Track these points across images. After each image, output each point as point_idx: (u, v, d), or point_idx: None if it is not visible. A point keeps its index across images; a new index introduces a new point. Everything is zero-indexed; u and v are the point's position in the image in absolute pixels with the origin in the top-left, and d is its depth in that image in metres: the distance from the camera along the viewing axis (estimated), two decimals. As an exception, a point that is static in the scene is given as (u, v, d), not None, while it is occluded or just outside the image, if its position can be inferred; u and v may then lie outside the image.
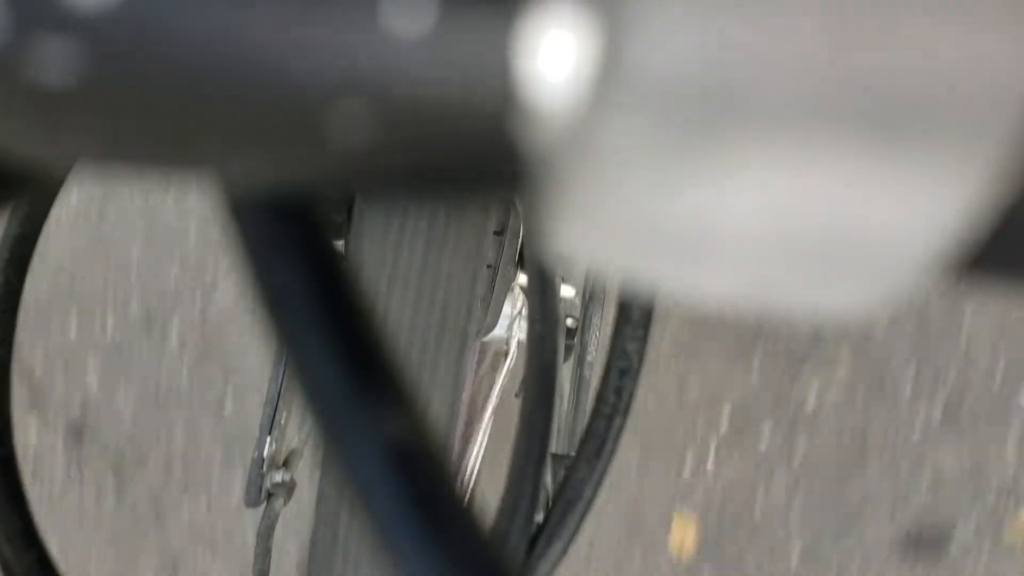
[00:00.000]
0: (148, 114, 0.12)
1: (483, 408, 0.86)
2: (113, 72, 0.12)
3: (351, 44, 0.12)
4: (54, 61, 0.12)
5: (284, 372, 0.68)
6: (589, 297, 0.81)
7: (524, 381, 0.45)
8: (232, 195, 0.18)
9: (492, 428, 0.88)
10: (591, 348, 0.80)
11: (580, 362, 0.79)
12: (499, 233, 0.66)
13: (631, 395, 0.48)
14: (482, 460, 0.84)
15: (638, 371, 0.48)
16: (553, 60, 0.12)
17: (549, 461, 0.58)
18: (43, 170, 0.16)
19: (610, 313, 0.55)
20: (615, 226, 0.12)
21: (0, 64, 0.12)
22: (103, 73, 0.12)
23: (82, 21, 0.11)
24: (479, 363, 0.82)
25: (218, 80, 0.12)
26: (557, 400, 0.45)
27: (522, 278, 0.79)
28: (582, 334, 0.80)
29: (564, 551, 0.49)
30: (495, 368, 0.89)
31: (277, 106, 0.12)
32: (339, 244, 0.63)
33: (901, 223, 0.12)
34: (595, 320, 0.81)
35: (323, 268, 0.19)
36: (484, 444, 0.84)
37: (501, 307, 0.77)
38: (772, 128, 0.11)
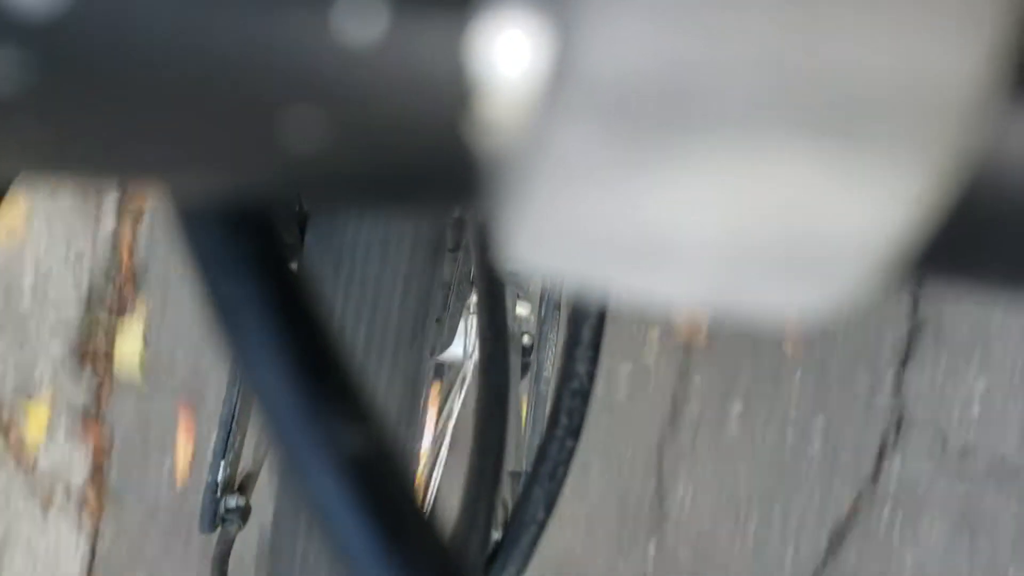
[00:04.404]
0: (95, 123, 0.12)
1: (442, 425, 0.86)
2: (58, 80, 0.12)
3: (302, 50, 0.12)
4: None
5: (238, 394, 0.67)
6: (544, 314, 0.81)
7: (476, 401, 0.44)
8: (184, 207, 0.18)
9: (452, 444, 0.88)
10: (547, 365, 0.80)
11: (537, 379, 0.79)
12: (454, 250, 0.66)
13: (583, 416, 0.48)
14: (443, 476, 0.84)
15: (589, 392, 0.48)
16: (505, 66, 0.12)
17: (507, 479, 0.58)
18: None
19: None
20: (570, 234, 0.12)
21: None
22: (48, 81, 0.12)
23: (27, 28, 0.11)
24: (438, 381, 0.82)
25: (166, 88, 0.12)
26: (513, 418, 0.45)
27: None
28: (538, 351, 0.80)
29: (519, 573, 0.50)
30: (453, 385, 0.89)
31: (227, 113, 0.12)
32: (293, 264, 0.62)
33: (852, 221, 0.12)
34: (551, 337, 0.81)
35: (278, 284, 0.19)
36: (444, 460, 0.83)
37: (457, 325, 0.76)
38: (724, 130, 0.11)
